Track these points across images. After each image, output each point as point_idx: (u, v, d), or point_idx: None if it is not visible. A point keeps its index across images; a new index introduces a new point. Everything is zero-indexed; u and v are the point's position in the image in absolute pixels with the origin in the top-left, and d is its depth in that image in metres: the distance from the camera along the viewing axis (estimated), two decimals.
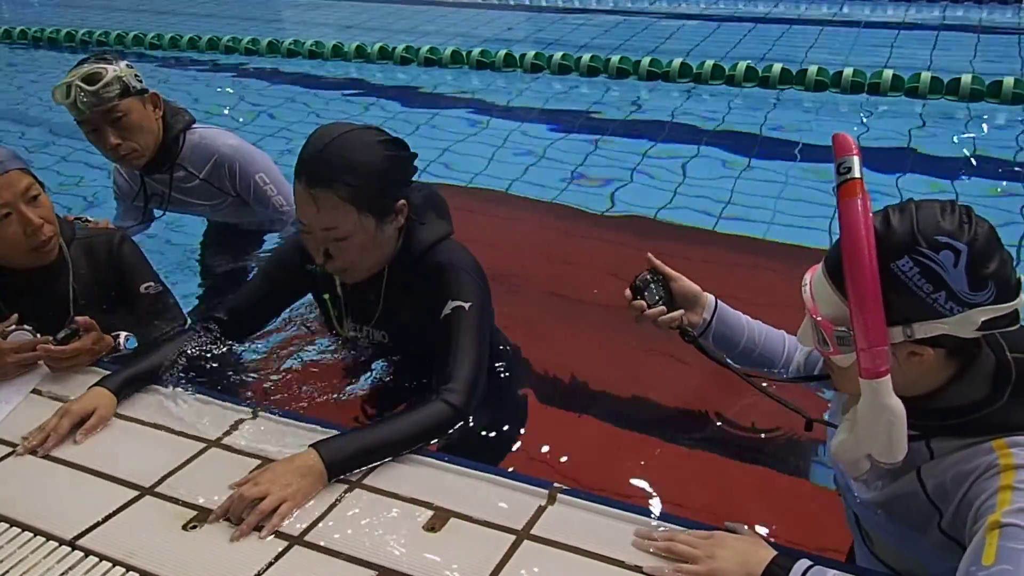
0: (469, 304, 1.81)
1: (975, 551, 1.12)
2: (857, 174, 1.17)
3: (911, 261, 1.14)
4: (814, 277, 1.28)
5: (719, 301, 1.78)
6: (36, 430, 1.74)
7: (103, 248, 2.20)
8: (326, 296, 2.01)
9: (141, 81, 2.54)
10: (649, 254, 1.76)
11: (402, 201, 1.82)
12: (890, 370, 1.17)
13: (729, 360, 1.76)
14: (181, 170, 2.71)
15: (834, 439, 1.33)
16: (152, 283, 2.23)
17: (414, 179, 1.88)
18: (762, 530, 1.40)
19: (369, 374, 2.08)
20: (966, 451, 1.21)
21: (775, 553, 1.29)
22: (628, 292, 1.73)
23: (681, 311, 1.73)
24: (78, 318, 1.96)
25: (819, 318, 1.24)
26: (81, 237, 2.19)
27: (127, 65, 2.52)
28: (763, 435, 2.01)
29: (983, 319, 1.14)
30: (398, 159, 1.79)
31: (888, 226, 1.17)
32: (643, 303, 1.71)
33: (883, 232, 1.16)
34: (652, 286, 1.72)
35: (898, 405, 1.18)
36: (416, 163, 1.86)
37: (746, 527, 1.41)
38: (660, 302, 1.71)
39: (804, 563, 1.26)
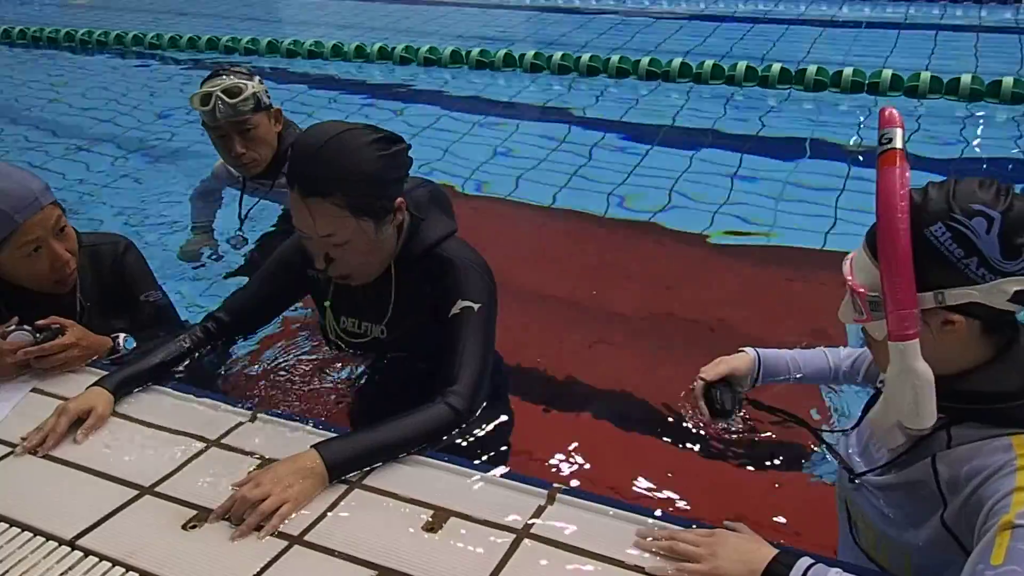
0: (479, 305, 1.79)
1: (984, 550, 1.12)
2: (898, 145, 1.20)
3: (944, 227, 1.17)
4: (856, 251, 1.31)
5: (759, 352, 1.84)
6: (34, 431, 1.73)
7: (108, 255, 2.21)
8: (326, 304, 2.00)
9: (270, 97, 2.74)
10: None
11: (399, 199, 1.79)
12: (919, 335, 1.19)
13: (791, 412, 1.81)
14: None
15: (872, 412, 1.36)
16: (153, 292, 2.24)
17: (411, 173, 1.85)
18: (762, 528, 1.40)
19: (370, 375, 2.07)
20: (984, 443, 1.21)
21: (776, 551, 1.29)
22: (703, 405, 1.80)
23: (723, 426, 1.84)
24: (55, 318, 1.96)
25: (852, 281, 1.27)
26: (87, 244, 2.18)
27: (260, 81, 2.73)
28: (763, 434, 2.01)
29: (1015, 289, 1.16)
30: (391, 157, 1.74)
31: (925, 196, 1.20)
32: (706, 412, 1.79)
33: (920, 201, 1.20)
34: (724, 395, 1.79)
35: (925, 369, 1.19)
36: (415, 163, 1.84)
37: (744, 525, 1.41)
38: (721, 410, 1.79)
39: (806, 561, 1.26)
